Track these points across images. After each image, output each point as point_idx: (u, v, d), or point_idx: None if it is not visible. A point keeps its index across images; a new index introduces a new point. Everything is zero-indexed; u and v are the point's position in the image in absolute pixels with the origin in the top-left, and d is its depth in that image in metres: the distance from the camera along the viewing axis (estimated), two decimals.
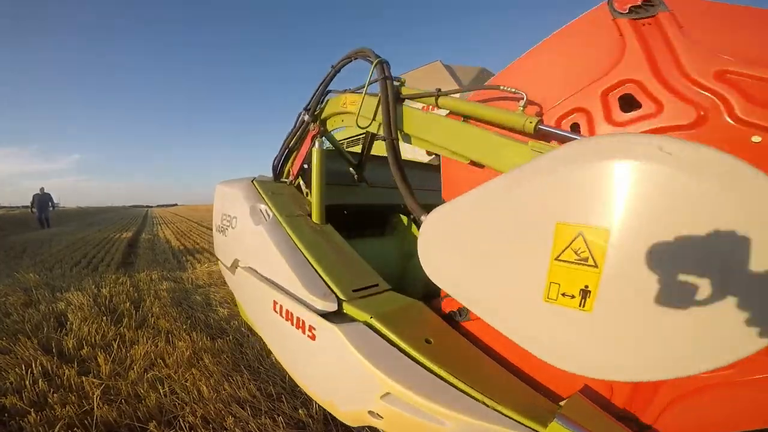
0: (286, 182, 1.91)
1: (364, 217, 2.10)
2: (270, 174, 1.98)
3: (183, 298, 3.66)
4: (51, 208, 13.97)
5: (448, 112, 1.24)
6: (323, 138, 1.74)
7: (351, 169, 2.09)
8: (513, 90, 0.98)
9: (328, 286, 1.27)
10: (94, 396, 1.79)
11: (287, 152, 1.89)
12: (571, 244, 0.65)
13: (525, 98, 0.95)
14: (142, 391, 1.86)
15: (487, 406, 0.86)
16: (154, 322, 2.92)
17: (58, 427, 1.58)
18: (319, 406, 1.67)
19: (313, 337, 1.18)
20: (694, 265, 0.56)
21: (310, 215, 1.66)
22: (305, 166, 1.79)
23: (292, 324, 1.27)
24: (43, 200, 13.46)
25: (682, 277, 0.56)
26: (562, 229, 0.66)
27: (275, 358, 2.17)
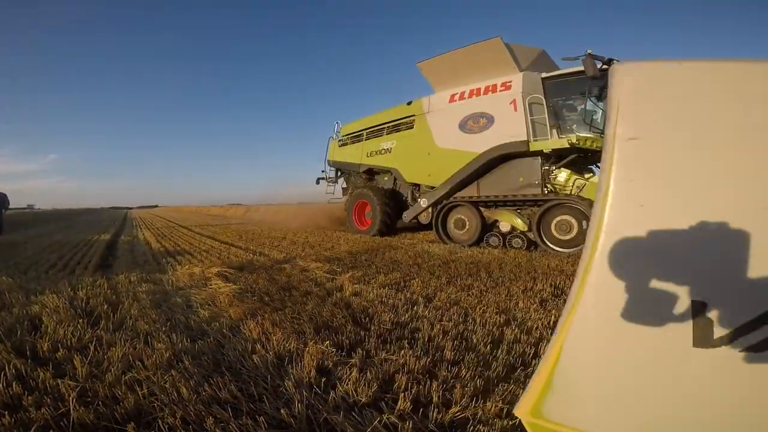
0: None
1: None
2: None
3: (163, 300, 3.60)
4: (3, 210, 11.98)
5: None
6: None
7: None
8: None
9: None
10: (71, 398, 1.75)
11: None
12: None
13: None
14: (120, 392, 1.83)
15: None
16: (132, 324, 2.87)
17: (33, 429, 1.55)
18: (302, 405, 1.67)
19: None
20: None
21: None
22: None
23: None
24: None
25: None
26: None
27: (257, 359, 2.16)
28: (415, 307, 3.08)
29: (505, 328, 2.59)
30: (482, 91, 7.38)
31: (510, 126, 6.81)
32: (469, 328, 2.61)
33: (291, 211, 22.44)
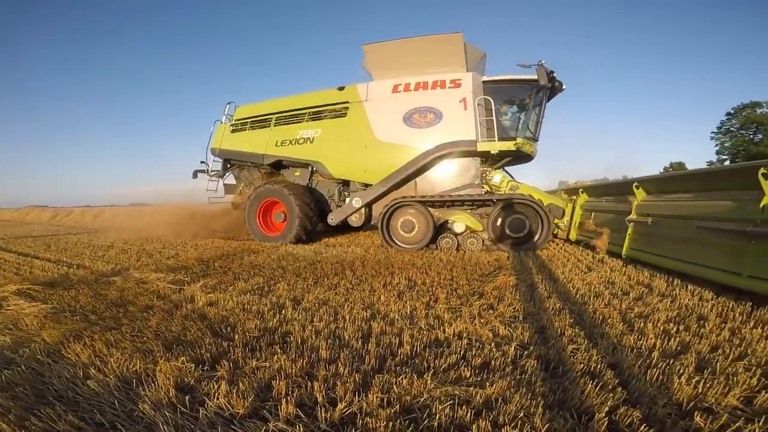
0: None
1: None
2: None
3: None
4: None
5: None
6: None
7: None
8: None
9: None
10: None
11: None
12: None
13: None
14: None
15: None
16: None
17: None
18: (168, 426, 1.47)
19: None
20: None
21: None
22: None
23: None
24: None
25: None
26: None
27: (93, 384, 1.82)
28: (283, 311, 2.99)
29: (371, 322, 2.71)
30: (430, 85, 7.14)
31: (459, 124, 6.82)
32: (340, 325, 2.66)
33: (124, 213, 19.20)
